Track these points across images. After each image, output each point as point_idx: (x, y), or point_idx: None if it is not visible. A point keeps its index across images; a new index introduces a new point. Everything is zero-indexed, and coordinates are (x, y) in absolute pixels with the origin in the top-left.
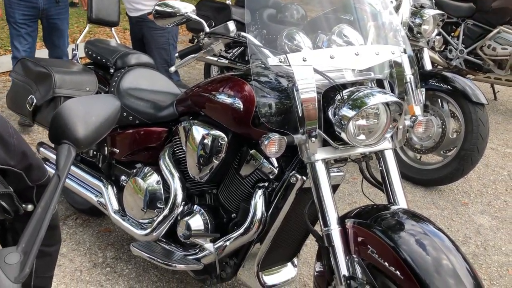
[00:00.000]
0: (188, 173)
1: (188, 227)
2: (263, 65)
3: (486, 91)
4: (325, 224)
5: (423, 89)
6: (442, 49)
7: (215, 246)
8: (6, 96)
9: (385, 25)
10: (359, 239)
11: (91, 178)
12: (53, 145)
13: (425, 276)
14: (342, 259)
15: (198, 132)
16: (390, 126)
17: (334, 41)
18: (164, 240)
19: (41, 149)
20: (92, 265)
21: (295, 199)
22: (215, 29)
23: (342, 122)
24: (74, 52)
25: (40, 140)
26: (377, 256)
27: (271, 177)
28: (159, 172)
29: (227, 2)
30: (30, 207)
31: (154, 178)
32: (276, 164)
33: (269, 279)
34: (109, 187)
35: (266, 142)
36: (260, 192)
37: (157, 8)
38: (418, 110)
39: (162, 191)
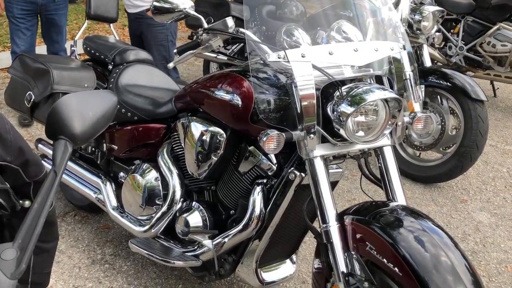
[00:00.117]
0: (186, 169)
1: (186, 223)
2: (261, 62)
3: (485, 88)
4: (324, 220)
5: (423, 86)
6: (441, 45)
7: (214, 243)
8: (4, 93)
9: (384, 22)
10: (358, 235)
11: (89, 174)
12: (51, 142)
13: (424, 273)
14: (340, 256)
15: (197, 128)
16: (389, 122)
17: (333, 37)
18: (162, 237)
19: (40, 145)
20: (91, 261)
21: (293, 195)
22: (214, 25)
23: (341, 118)
24: (72, 48)
25: (39, 136)
26: (375, 252)
27: (269, 173)
28: (157, 168)
29: None
30: (27, 203)
31: (152, 175)
32: (274, 161)
33: (267, 275)
34: (108, 183)
35: (264, 139)
36: (258, 188)
37: (156, 4)
38: (417, 107)
39: (161, 188)
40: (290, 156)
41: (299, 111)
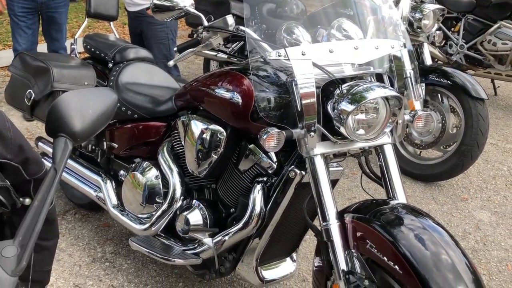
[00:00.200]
0: (187, 167)
1: (187, 221)
2: (262, 60)
3: (486, 86)
4: (324, 219)
5: (423, 84)
6: (442, 44)
7: (214, 241)
8: (5, 91)
9: (385, 20)
10: (358, 233)
11: (90, 173)
12: (51, 140)
13: (424, 271)
14: (341, 254)
15: (197, 126)
16: (390, 120)
17: (333, 35)
18: (163, 235)
19: (40, 143)
20: (91, 260)
21: (294, 194)
22: (214, 23)
23: (341, 116)
24: (72, 46)
25: (39, 134)
26: (376, 250)
27: (270, 171)
28: (158, 166)
29: None
30: (27, 200)
31: (153, 173)
32: (275, 159)
33: (268, 274)
34: (108, 182)
35: (264, 137)
36: (259, 187)
37: (156, 2)
38: (418, 105)
39: (161, 186)
40: (291, 154)
41: (299, 109)
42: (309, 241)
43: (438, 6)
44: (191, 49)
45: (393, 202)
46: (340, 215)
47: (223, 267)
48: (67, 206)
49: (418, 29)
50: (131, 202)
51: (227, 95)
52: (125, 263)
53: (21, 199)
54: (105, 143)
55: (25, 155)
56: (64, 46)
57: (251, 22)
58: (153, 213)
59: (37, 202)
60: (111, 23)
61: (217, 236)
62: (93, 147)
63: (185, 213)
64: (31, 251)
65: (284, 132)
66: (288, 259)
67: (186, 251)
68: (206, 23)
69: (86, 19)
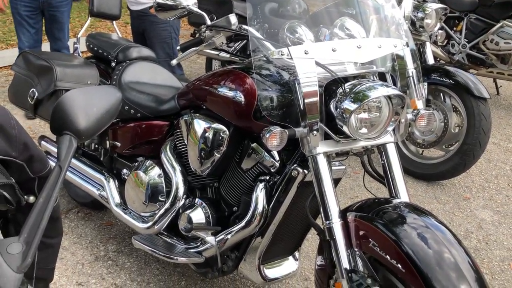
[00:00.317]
0: (189, 166)
1: (189, 220)
2: (264, 58)
3: (488, 85)
4: (327, 217)
5: (425, 84)
6: (444, 43)
7: (217, 239)
8: (8, 90)
9: (388, 19)
10: (361, 232)
11: (92, 171)
12: (54, 139)
13: (427, 270)
14: (343, 253)
15: (200, 125)
16: (392, 119)
17: (336, 34)
18: (165, 233)
19: (43, 142)
20: (94, 258)
21: (296, 192)
22: (217, 22)
23: (344, 115)
24: (75, 45)
25: (42, 133)
26: (378, 249)
27: (272, 170)
28: (160, 165)
29: None
30: (32, 198)
31: (155, 172)
32: (277, 158)
33: (270, 272)
34: (111, 180)
35: (267, 135)
36: (261, 185)
37: (159, 0)
38: (420, 104)
39: (164, 185)
40: (293, 153)
41: (302, 108)
42: (311, 240)
43: (440, 5)
44: (194, 48)
45: (395, 201)
46: (343, 213)
47: (225, 266)
48: (70, 204)
49: (421, 28)
50: (134, 200)
51: (230, 94)
52: (127, 261)
53: (25, 197)
54: (108, 142)
55: (30, 153)
56: (66, 45)
57: (253, 22)
58: (156, 212)
59: (42, 199)
60: (114, 22)
61: (219, 234)
62: (96, 146)
63: (188, 211)
64: (36, 248)
65: (287, 131)
66: (290, 257)
67: (189, 250)
68: (209, 22)
69: (89, 18)
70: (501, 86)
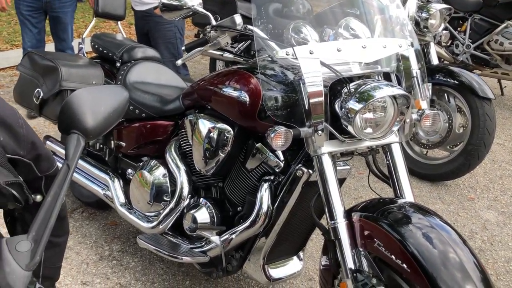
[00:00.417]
0: (194, 166)
1: (194, 220)
2: (269, 59)
3: (493, 86)
4: (332, 217)
5: (430, 84)
6: (448, 44)
7: (221, 239)
8: (13, 90)
9: (392, 19)
10: (366, 232)
11: (97, 171)
12: (59, 139)
13: (432, 270)
14: (348, 252)
15: (204, 125)
16: (397, 119)
17: (341, 34)
18: (170, 233)
19: (48, 142)
20: (99, 258)
21: (301, 192)
22: (222, 22)
23: (349, 115)
24: (80, 46)
25: (46, 133)
26: (383, 249)
27: (277, 170)
28: (165, 165)
29: None
30: (38, 197)
31: (160, 171)
32: (282, 158)
33: (275, 272)
34: (116, 180)
35: (272, 135)
36: (266, 185)
37: (164, 1)
38: (424, 105)
39: (168, 184)
40: (298, 153)
41: (307, 108)
42: (315, 240)
43: (444, 5)
44: (199, 48)
45: (400, 201)
46: (348, 213)
47: (230, 265)
48: (74, 204)
49: (425, 29)
50: (139, 200)
51: (235, 94)
52: (132, 261)
53: (32, 195)
54: (112, 141)
55: (37, 151)
56: (71, 46)
57: (257, 22)
58: (161, 211)
59: (50, 197)
60: (119, 22)
61: (224, 234)
62: (101, 145)
63: (193, 211)
64: (44, 246)
65: (291, 130)
66: (295, 257)
67: (194, 249)
68: (214, 22)
69: (94, 18)
70: (505, 86)
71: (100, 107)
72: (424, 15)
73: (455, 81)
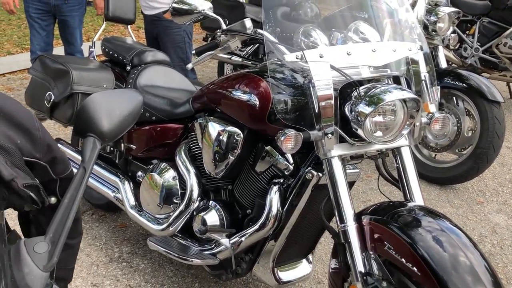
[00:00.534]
0: (203, 169)
1: (204, 222)
2: (279, 62)
3: (501, 89)
4: (342, 220)
5: (438, 87)
6: (457, 47)
7: (231, 242)
8: (25, 93)
9: (401, 22)
10: (376, 235)
11: (108, 174)
12: (69, 142)
13: (442, 273)
14: (358, 256)
15: (214, 128)
16: (407, 122)
17: (350, 37)
18: (180, 235)
19: (58, 145)
20: (109, 259)
21: (310, 195)
22: (232, 26)
23: (359, 118)
24: (91, 49)
25: (56, 136)
26: (394, 252)
27: (286, 173)
28: (175, 168)
29: (241, 0)
30: (53, 199)
31: (170, 174)
32: (291, 161)
33: (284, 275)
34: (126, 182)
35: (282, 138)
36: (275, 188)
37: (174, 5)
38: (433, 108)
39: (178, 187)
40: (307, 156)
41: (317, 111)
42: (324, 243)
43: (453, 9)
44: (209, 52)
45: (410, 204)
46: (358, 217)
47: (239, 268)
48: (84, 206)
49: (433, 32)
50: (149, 202)
51: (245, 97)
52: (142, 263)
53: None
54: (123, 144)
55: (53, 154)
56: (80, 49)
57: (266, 26)
58: (171, 214)
59: (67, 199)
60: (129, 26)
61: (234, 236)
62: (112, 148)
63: (202, 213)
64: (61, 248)
65: (301, 133)
66: (304, 260)
67: (203, 252)
68: (224, 27)
69: (104, 22)
70: None
71: (115, 110)
72: (432, 18)
73: (464, 84)
